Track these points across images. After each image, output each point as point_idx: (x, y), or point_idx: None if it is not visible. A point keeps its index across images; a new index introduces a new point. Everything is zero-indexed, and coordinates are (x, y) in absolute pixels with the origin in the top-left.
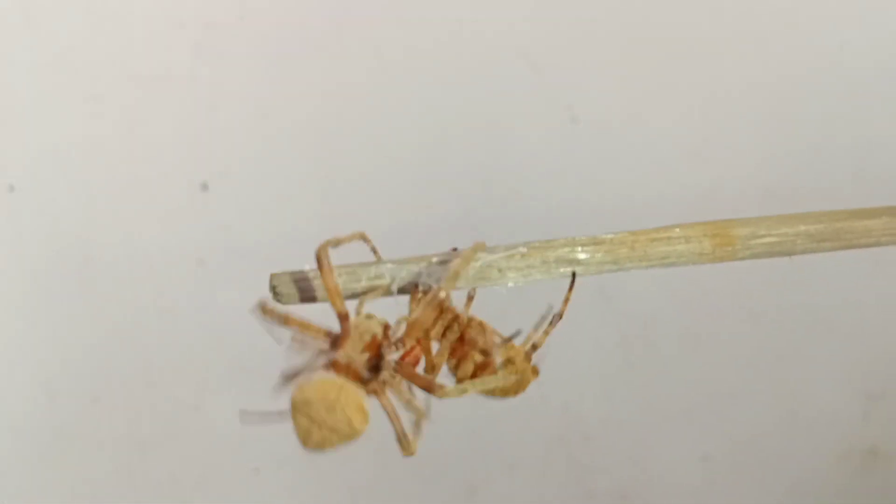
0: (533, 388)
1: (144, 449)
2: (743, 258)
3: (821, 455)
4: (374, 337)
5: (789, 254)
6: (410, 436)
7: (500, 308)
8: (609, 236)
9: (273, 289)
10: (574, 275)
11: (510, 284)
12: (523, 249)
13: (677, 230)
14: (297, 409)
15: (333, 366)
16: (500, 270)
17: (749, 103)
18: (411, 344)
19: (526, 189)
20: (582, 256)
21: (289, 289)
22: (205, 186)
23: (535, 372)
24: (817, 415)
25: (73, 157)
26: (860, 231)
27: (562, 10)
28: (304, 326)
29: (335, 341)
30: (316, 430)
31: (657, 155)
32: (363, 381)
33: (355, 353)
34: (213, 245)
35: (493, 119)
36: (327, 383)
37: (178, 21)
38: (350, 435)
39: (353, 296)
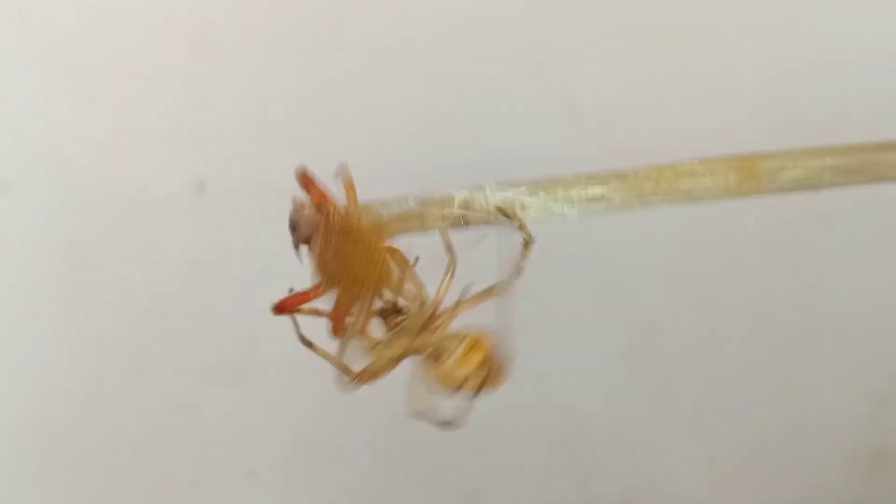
0: (536, 391)
1: (139, 452)
2: (769, 192)
3: (828, 458)
4: None
5: (815, 187)
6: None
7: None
8: (633, 170)
9: (291, 221)
10: (528, 242)
11: (532, 220)
12: (547, 184)
13: (702, 164)
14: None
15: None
16: (522, 206)
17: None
18: None
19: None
20: (606, 191)
21: None
22: (202, 185)
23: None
24: (825, 417)
25: (68, 155)
26: (887, 164)
27: (562, 3)
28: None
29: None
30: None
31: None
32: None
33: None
34: (210, 244)
35: (493, 115)
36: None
37: (174, 17)
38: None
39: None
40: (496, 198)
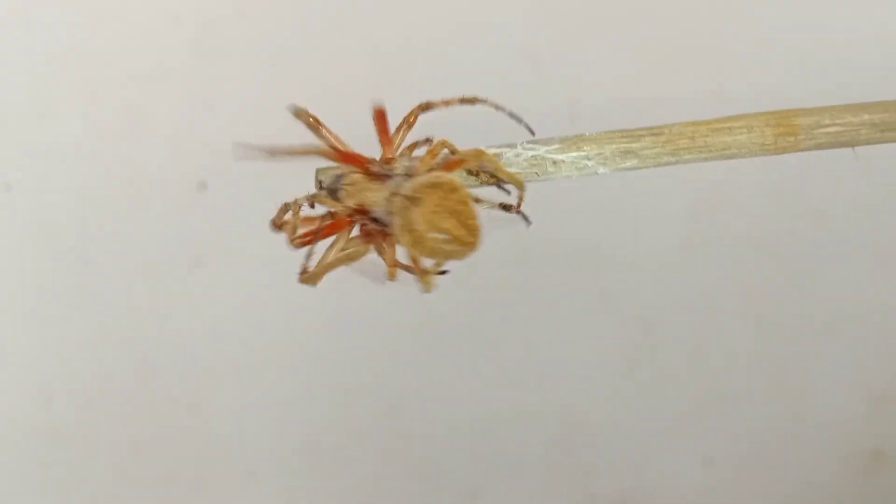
0: (535, 391)
1: (139, 451)
2: (806, 149)
3: (825, 457)
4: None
5: (853, 144)
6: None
7: None
8: (668, 127)
9: (319, 183)
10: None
11: (564, 177)
12: (579, 141)
13: (739, 120)
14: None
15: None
16: (554, 163)
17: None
18: None
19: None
20: (640, 147)
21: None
22: (203, 186)
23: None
24: (822, 417)
25: (70, 156)
26: None
27: (562, 4)
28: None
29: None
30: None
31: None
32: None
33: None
34: (211, 245)
35: (493, 118)
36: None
37: (174, 17)
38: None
39: None
40: (527, 154)
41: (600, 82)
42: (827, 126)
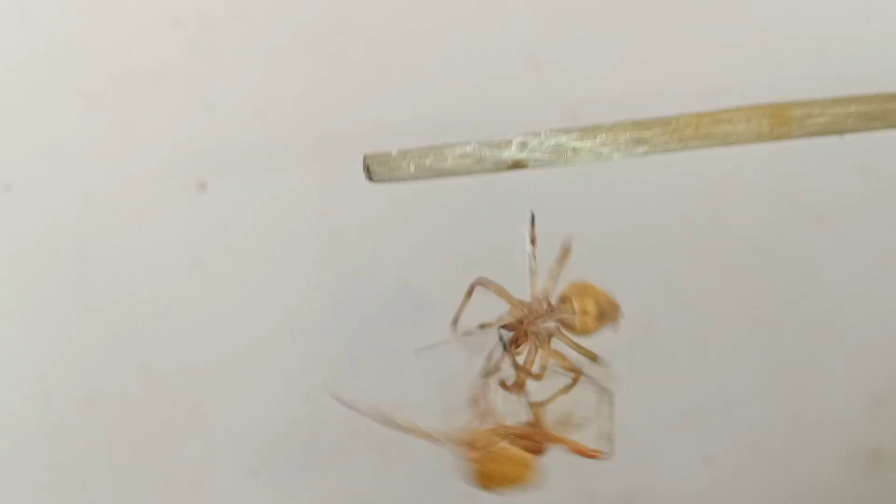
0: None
1: (140, 450)
2: (798, 136)
3: (825, 457)
4: None
5: (841, 132)
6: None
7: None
8: (675, 117)
9: (367, 168)
10: (532, 216)
11: (583, 162)
12: (596, 130)
13: (738, 111)
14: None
15: None
16: (574, 150)
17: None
18: None
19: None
20: (650, 135)
21: (381, 167)
22: (202, 186)
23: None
24: (822, 416)
25: (70, 156)
26: None
27: (563, 6)
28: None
29: None
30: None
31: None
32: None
33: None
34: (211, 245)
35: (492, 119)
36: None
37: (174, 17)
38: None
39: (440, 174)
40: (550, 143)
41: (600, 82)
42: (817, 116)
